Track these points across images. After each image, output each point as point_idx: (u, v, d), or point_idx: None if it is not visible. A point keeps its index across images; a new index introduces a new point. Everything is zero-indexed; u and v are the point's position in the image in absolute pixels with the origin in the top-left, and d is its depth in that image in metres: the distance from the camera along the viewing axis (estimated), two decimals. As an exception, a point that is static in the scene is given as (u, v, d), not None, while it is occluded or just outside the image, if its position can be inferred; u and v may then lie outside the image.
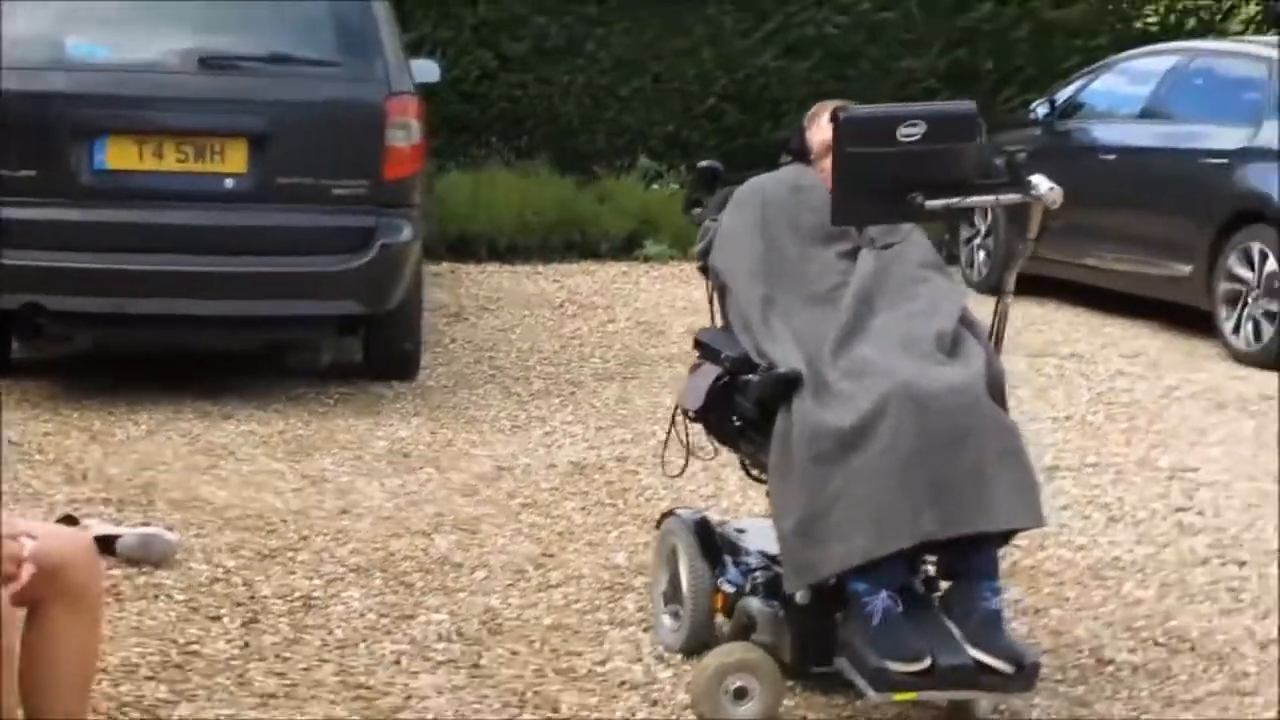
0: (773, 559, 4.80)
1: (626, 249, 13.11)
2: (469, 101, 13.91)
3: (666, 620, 5.24)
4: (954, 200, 4.66)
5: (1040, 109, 12.36)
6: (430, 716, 4.76)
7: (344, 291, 8.06)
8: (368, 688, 4.94)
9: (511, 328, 10.39)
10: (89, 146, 7.95)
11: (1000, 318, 4.86)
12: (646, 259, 12.98)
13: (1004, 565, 4.85)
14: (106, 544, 5.92)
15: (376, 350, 8.69)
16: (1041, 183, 4.68)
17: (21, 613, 3.88)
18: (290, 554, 6.08)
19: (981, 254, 12.23)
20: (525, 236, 12.87)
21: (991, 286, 9.65)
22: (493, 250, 12.78)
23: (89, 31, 8.26)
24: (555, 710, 4.80)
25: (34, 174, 7.93)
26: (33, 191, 7.91)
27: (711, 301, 5.14)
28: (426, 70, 9.25)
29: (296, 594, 5.68)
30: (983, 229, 12.17)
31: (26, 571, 3.69)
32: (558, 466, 7.29)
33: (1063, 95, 12.35)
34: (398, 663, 5.14)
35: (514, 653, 5.21)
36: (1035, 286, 10.99)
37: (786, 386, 4.56)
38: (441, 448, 7.54)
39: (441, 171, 12.88)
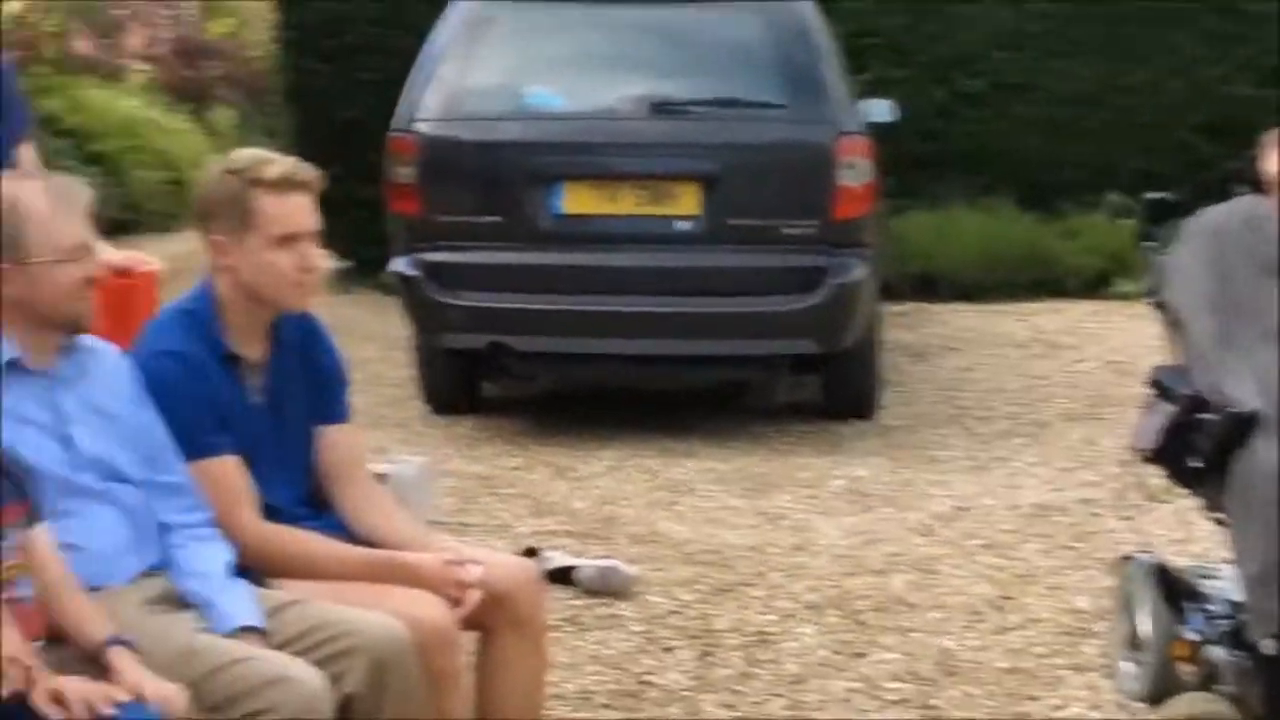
0: (1239, 606, 4.55)
1: (1095, 286, 12.76)
2: (928, 140, 13.79)
3: (1127, 667, 5.04)
4: None
5: None
6: (880, 754, 4.71)
7: (796, 331, 8.08)
8: (815, 721, 4.93)
9: (975, 366, 10.21)
10: (547, 192, 8.18)
11: None
12: (1119, 297, 12.61)
13: None
14: (567, 575, 6.08)
15: (835, 389, 8.66)
16: None
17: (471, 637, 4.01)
18: (745, 589, 6.11)
19: None
20: (989, 274, 12.67)
21: None
22: (956, 289, 12.61)
23: (544, 80, 8.51)
24: (1009, 753, 4.69)
25: (496, 220, 8.21)
26: (495, 237, 8.21)
27: (1167, 338, 4.93)
28: (880, 110, 9.21)
29: (750, 628, 5.71)
30: None
31: (473, 597, 3.80)
32: (1019, 508, 7.11)
33: None
34: (848, 700, 5.12)
35: (968, 695, 5.13)
36: None
37: (1245, 426, 4.31)
38: (900, 487, 7.46)
39: (902, 210, 12.79)
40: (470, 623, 3.87)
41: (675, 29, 8.56)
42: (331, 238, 13.73)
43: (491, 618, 3.93)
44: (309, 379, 4.07)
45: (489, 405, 8.89)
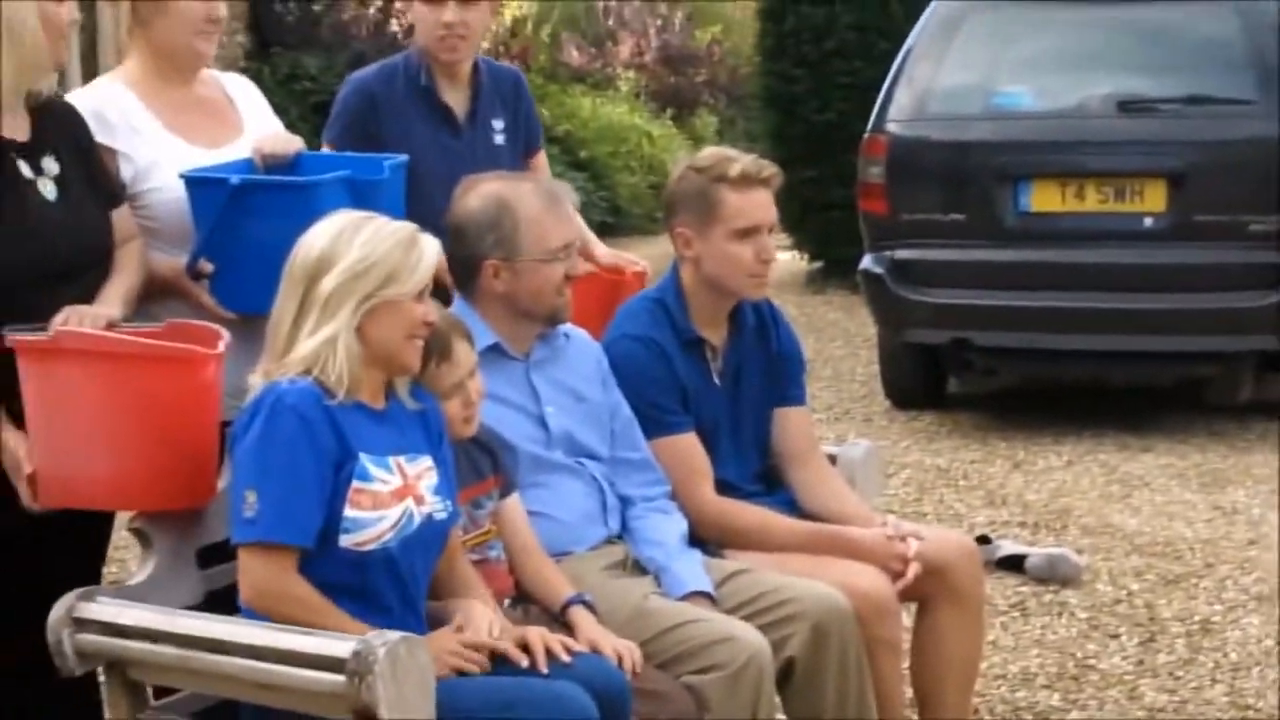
0: None
1: None
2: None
3: None
4: None
5: None
6: (1316, 745, 4.70)
7: (1259, 327, 7.97)
8: (1256, 709, 4.97)
9: None
10: (1014, 190, 8.26)
11: None
12: None
13: None
14: (1017, 563, 6.18)
15: (1300, 386, 8.51)
16: None
17: (910, 610, 4.18)
18: (1194, 580, 6.11)
19: None
20: None
21: None
22: None
23: (1013, 79, 8.59)
24: None
25: (962, 218, 8.34)
26: (960, 234, 8.33)
27: None
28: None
29: (1195, 618, 5.72)
30: None
31: (913, 570, 3.97)
32: None
33: None
34: (1289, 688, 5.10)
35: None
36: None
37: None
38: (1361, 485, 7.30)
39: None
40: (909, 595, 4.04)
41: (1145, 26, 8.50)
42: (807, 238, 14.28)
43: (930, 590, 4.08)
44: (767, 363, 4.28)
45: (951, 400, 9.01)
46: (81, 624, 3.26)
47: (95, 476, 3.37)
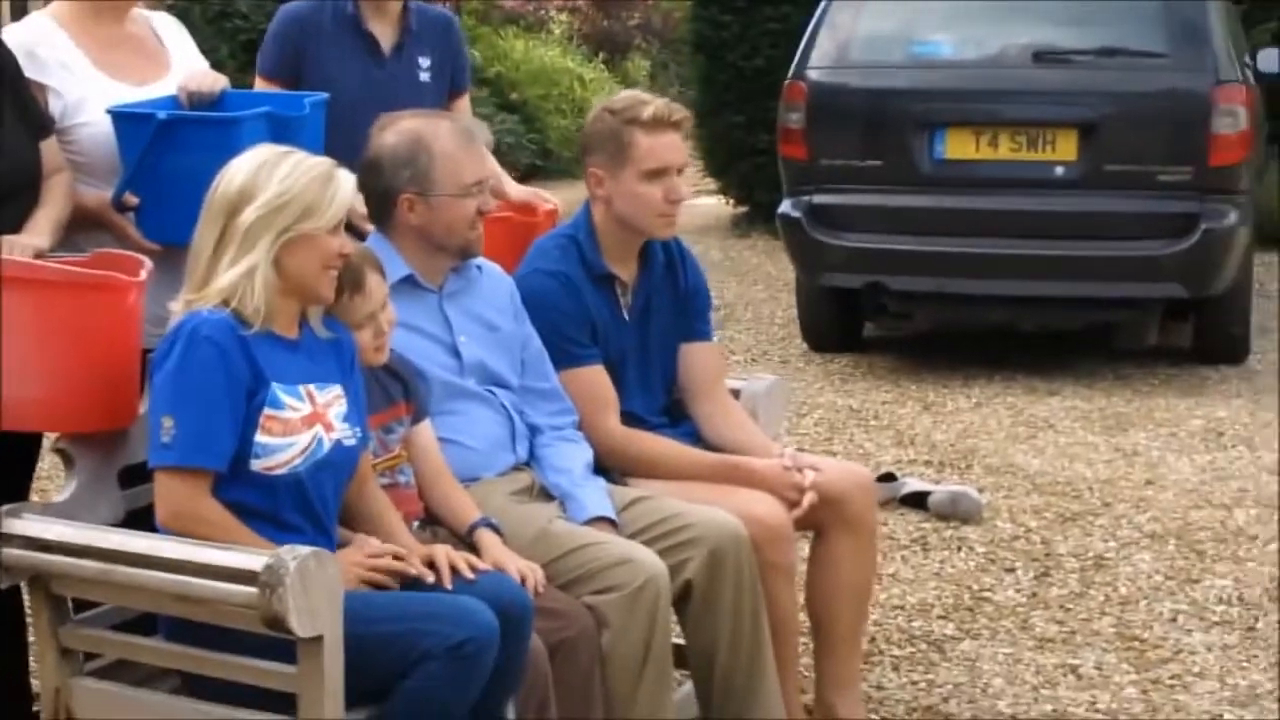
0: None
1: None
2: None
3: None
4: None
5: None
6: (1196, 669, 4.91)
7: (1167, 275, 8.19)
8: (1141, 640, 5.16)
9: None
10: (929, 137, 8.44)
11: None
12: None
13: None
14: (920, 500, 6.39)
15: (1204, 334, 8.75)
16: None
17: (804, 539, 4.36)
18: (1090, 518, 6.32)
19: None
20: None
21: None
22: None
23: (931, 30, 8.75)
24: (1324, 674, 4.84)
25: (879, 164, 8.52)
26: (877, 180, 8.51)
27: None
28: (1270, 60, 9.21)
29: (1089, 554, 5.93)
30: None
31: (808, 499, 4.14)
32: (1376, 449, 7.13)
33: None
34: (1174, 620, 5.32)
35: (1295, 620, 5.26)
36: None
37: None
38: (1259, 428, 7.51)
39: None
40: (804, 523, 4.20)
41: (1060, -21, 8.71)
42: (733, 183, 14.39)
43: (826, 519, 4.25)
44: (675, 299, 4.42)
45: (866, 344, 9.22)
46: (6, 539, 3.38)
47: (25, 398, 3.49)
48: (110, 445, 3.56)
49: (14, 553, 3.39)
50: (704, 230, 13.66)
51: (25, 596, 3.67)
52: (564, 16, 20.84)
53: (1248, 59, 8.99)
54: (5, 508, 3.42)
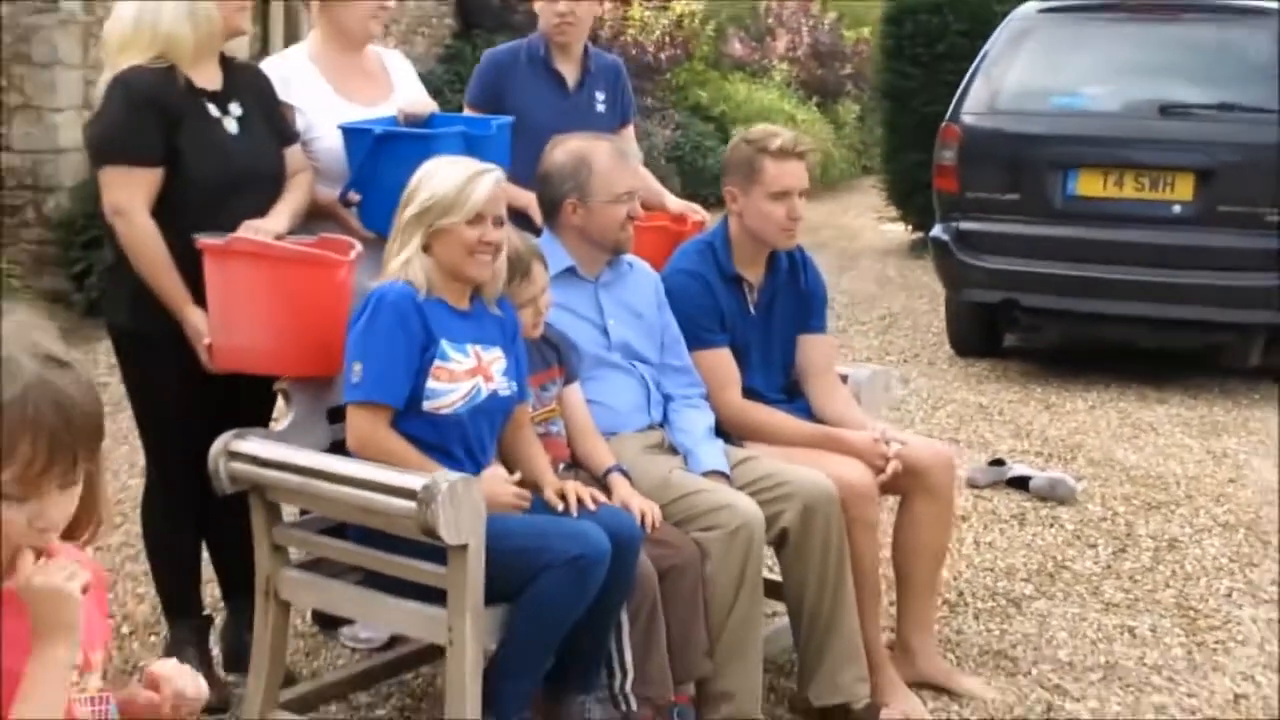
0: None
1: None
2: None
3: None
4: None
5: None
6: (1240, 638, 5.00)
7: (1271, 303, 8.16)
8: (1196, 609, 5.25)
9: None
10: (1063, 176, 8.51)
11: None
12: None
13: None
14: (1023, 483, 6.50)
15: (1311, 355, 8.70)
16: None
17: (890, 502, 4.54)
18: (1173, 507, 6.39)
19: None
20: None
21: None
22: None
23: (1070, 85, 8.83)
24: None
25: (1017, 197, 8.61)
26: (1016, 211, 8.61)
27: None
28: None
29: (1165, 536, 6.01)
30: None
31: (892, 466, 4.33)
32: None
33: None
34: (1229, 595, 5.39)
35: (1337, 603, 5.30)
36: None
37: None
38: (1342, 443, 7.49)
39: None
40: (889, 487, 4.39)
41: (1185, 41, 8.72)
42: (912, 212, 14.42)
43: (908, 486, 4.44)
44: (796, 298, 4.64)
45: (1005, 352, 9.29)
46: (234, 456, 3.74)
47: (256, 348, 3.86)
48: (320, 388, 3.90)
49: (241, 467, 3.75)
50: (885, 251, 13.80)
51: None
52: (784, 65, 20.98)
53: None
54: (235, 431, 3.78)
